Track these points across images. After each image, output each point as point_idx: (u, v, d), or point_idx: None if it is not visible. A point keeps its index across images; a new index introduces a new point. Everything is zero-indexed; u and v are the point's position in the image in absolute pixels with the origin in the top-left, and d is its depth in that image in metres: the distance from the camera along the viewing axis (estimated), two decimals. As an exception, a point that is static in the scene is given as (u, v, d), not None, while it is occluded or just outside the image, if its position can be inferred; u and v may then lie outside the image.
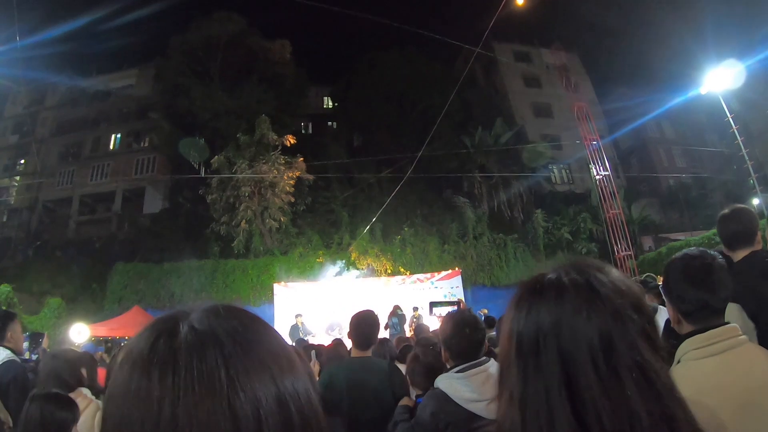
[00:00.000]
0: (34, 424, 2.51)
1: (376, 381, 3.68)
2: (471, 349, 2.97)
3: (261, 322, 0.74)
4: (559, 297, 0.94)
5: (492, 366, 2.90)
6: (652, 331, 0.93)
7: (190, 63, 30.55)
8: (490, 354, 3.22)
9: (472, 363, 2.89)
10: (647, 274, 9.48)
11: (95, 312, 21.34)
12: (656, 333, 0.94)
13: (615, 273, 0.99)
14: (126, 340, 15.51)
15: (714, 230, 20.21)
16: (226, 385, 0.60)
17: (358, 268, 23.13)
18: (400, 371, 3.97)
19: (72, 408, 2.64)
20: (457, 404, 2.76)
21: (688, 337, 1.85)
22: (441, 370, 3.07)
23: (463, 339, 2.97)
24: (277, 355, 0.68)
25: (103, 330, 16.73)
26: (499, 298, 21.84)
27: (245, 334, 0.67)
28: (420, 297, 19.40)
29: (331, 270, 22.83)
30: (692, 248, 2.05)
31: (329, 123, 38.21)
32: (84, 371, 3.64)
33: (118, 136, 37.94)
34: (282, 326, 18.10)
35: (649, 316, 0.95)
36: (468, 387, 2.79)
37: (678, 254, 2.05)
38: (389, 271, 23.09)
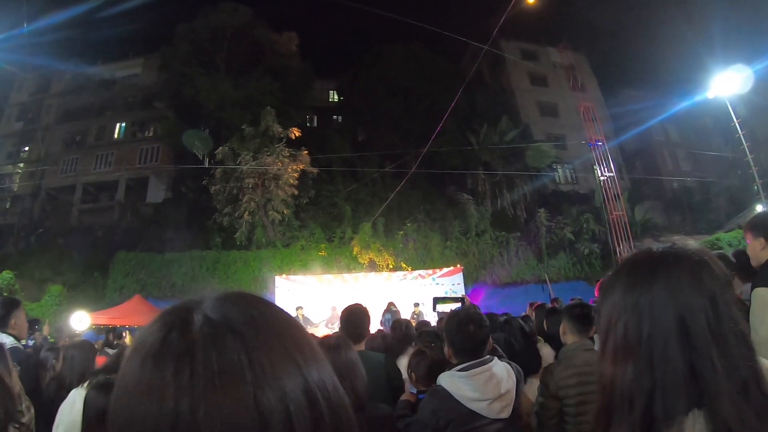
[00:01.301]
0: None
1: (373, 374, 3.67)
2: (474, 347, 2.95)
3: (278, 308, 0.70)
4: (675, 264, 1.08)
5: (495, 365, 2.89)
6: (737, 298, 1.15)
7: (196, 53, 30.56)
8: (494, 352, 3.21)
9: (475, 362, 2.88)
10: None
11: (96, 300, 21.35)
12: (738, 299, 1.11)
13: (707, 249, 1.17)
14: (126, 328, 15.56)
15: (717, 235, 20.33)
16: (251, 379, 0.56)
17: (360, 263, 23.14)
18: (395, 365, 3.97)
19: None
20: (459, 402, 2.76)
21: None
22: (445, 366, 3.05)
23: (467, 336, 2.95)
24: (301, 344, 0.65)
25: (104, 318, 16.72)
26: (500, 296, 21.87)
27: (265, 323, 0.64)
28: (421, 293, 19.38)
29: (333, 264, 22.86)
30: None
31: (334, 117, 38.17)
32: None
33: (123, 124, 37.97)
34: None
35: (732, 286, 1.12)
36: (470, 386, 2.78)
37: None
38: (391, 267, 23.10)
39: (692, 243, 1.17)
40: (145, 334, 0.63)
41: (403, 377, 3.80)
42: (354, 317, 3.96)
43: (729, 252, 4.31)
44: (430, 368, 3.32)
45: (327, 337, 2.89)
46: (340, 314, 13.46)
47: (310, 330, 13.49)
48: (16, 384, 3.11)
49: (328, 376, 0.65)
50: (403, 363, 4.05)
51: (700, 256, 1.09)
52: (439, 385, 2.86)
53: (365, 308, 4.10)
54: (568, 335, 3.49)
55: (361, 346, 3.93)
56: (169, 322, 0.62)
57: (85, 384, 3.13)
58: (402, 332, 5.25)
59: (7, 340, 4.04)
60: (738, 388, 0.95)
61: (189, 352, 0.58)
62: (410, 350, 4.22)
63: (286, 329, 0.66)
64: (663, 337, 1.01)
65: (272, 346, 0.61)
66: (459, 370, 2.86)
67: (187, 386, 0.55)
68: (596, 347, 2.23)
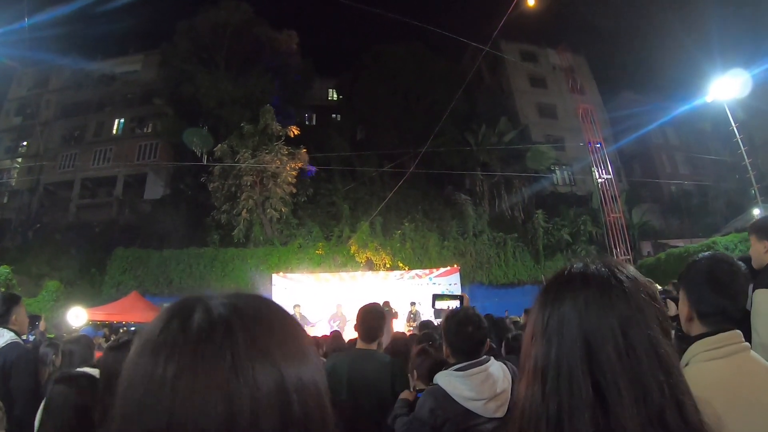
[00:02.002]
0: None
1: (376, 373, 3.70)
2: (472, 347, 2.98)
3: (280, 312, 0.74)
4: (584, 284, 1.05)
5: (492, 366, 2.93)
6: (664, 320, 1.03)
7: (196, 50, 30.55)
8: (491, 352, 3.24)
9: (472, 362, 2.91)
10: (647, 279, 9.52)
11: (93, 296, 21.34)
12: (667, 321, 1.04)
13: (632, 269, 1.11)
14: (123, 325, 15.56)
15: (714, 238, 20.37)
16: (227, 368, 0.60)
17: (357, 261, 23.16)
18: (401, 365, 4.00)
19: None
20: (455, 402, 2.79)
21: (697, 339, 1.89)
22: (448, 366, 3.08)
23: (465, 337, 2.98)
24: (286, 345, 0.68)
25: (101, 314, 16.73)
26: (497, 297, 21.92)
27: (257, 323, 0.68)
28: (418, 292, 19.42)
29: (331, 262, 22.88)
30: (718, 252, 2.08)
31: (333, 115, 38.18)
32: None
33: (122, 121, 37.96)
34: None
35: (662, 307, 1.06)
36: (467, 385, 2.82)
37: (704, 255, 2.08)
38: (388, 266, 23.11)
39: (626, 264, 1.13)
40: (150, 324, 0.67)
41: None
42: (368, 317, 3.97)
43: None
44: (432, 367, 3.35)
45: None
46: (345, 312, 13.52)
47: (307, 329, 13.52)
48: None
49: (310, 379, 0.68)
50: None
51: (614, 276, 1.05)
52: (437, 384, 2.90)
53: (381, 308, 4.13)
54: None
55: (373, 346, 3.95)
56: (173, 313, 0.67)
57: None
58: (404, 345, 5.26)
59: (8, 335, 4.07)
60: (651, 418, 0.91)
61: (182, 340, 0.62)
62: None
63: (276, 330, 0.69)
64: (568, 360, 0.98)
65: (255, 344, 0.64)
66: (456, 370, 2.89)
67: (174, 370, 0.60)
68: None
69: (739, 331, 1.86)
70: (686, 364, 1.85)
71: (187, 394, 0.58)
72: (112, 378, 2.40)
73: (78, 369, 2.90)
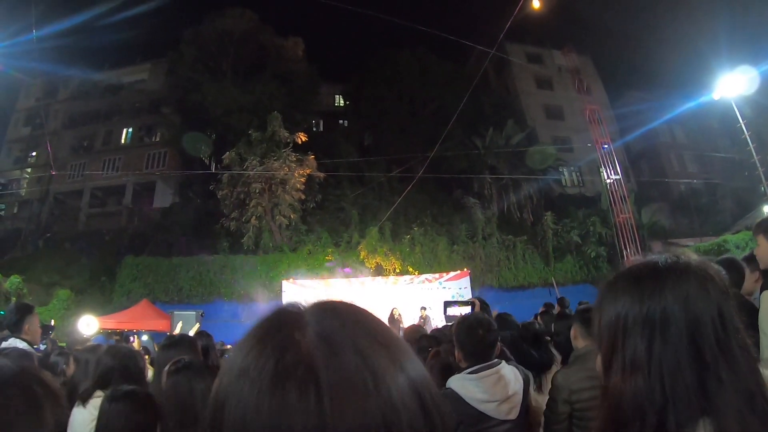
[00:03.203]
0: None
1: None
2: (483, 350, 3.02)
3: (368, 313, 0.72)
4: (683, 277, 1.07)
5: (503, 368, 2.95)
6: (740, 306, 1.10)
7: (203, 58, 30.71)
8: (503, 355, 3.25)
9: (484, 365, 2.94)
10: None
11: (104, 304, 21.42)
12: (743, 310, 1.10)
13: (706, 260, 1.16)
14: (134, 333, 15.54)
15: (724, 237, 20.27)
16: (373, 389, 0.57)
17: (366, 267, 23.14)
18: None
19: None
20: (468, 404, 2.82)
21: None
22: (458, 369, 3.09)
23: (476, 340, 3.01)
24: (398, 345, 0.66)
25: (112, 323, 16.75)
26: (507, 300, 21.81)
27: (365, 330, 0.66)
28: (428, 297, 19.38)
29: (340, 268, 22.88)
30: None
31: (340, 121, 38.29)
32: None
33: (130, 130, 38.13)
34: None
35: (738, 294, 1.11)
36: (479, 388, 2.85)
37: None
38: (398, 271, 23.09)
39: (694, 255, 1.17)
40: (248, 359, 0.62)
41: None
42: None
43: (738, 255, 4.32)
44: (442, 370, 3.37)
45: None
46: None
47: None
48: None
49: (421, 372, 0.66)
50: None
51: (705, 268, 1.10)
52: (449, 388, 2.92)
53: (374, 315, 4.12)
54: (579, 339, 3.51)
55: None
56: (279, 343, 0.62)
57: (89, 398, 3.13)
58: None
59: (21, 346, 4.08)
60: (744, 400, 0.96)
61: (311, 371, 0.57)
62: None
63: (382, 333, 0.67)
64: (675, 352, 1.02)
65: (379, 353, 0.62)
66: (468, 373, 2.93)
67: (315, 406, 0.55)
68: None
69: None
70: None
71: (340, 424, 0.55)
72: (180, 399, 2.41)
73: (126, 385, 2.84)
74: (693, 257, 1.13)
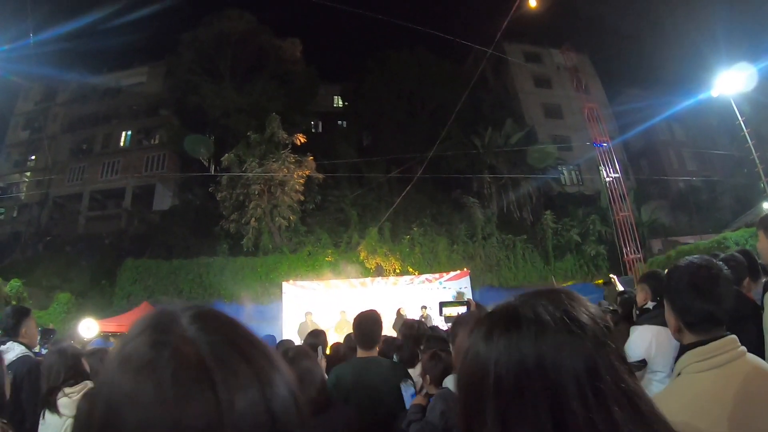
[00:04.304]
0: None
1: (382, 380, 3.71)
2: None
3: (242, 327, 0.75)
4: (540, 332, 0.89)
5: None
6: (623, 354, 0.93)
7: (201, 60, 30.72)
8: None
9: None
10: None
11: (104, 307, 21.42)
12: (624, 355, 0.93)
13: (583, 300, 0.97)
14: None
15: (724, 234, 20.26)
16: (257, 381, 0.65)
17: (366, 268, 23.14)
18: (405, 370, 4.00)
19: None
20: None
21: (690, 349, 1.84)
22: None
23: None
24: (269, 349, 0.73)
25: (112, 326, 16.74)
26: (507, 299, 21.80)
27: (245, 335, 0.72)
28: (428, 297, 19.35)
29: (340, 269, 22.86)
30: (695, 257, 2.03)
31: (339, 122, 38.24)
32: (86, 364, 3.66)
33: (129, 132, 38.11)
34: (290, 324, 18.20)
35: (616, 341, 0.93)
36: (475, 387, 2.81)
37: (682, 262, 2.03)
38: (398, 271, 23.09)
39: (565, 293, 0.98)
40: (131, 348, 0.66)
41: (414, 382, 3.83)
42: (365, 323, 3.97)
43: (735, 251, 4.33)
44: (443, 372, 3.37)
45: (286, 349, 2.99)
46: (349, 319, 13.45)
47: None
48: (6, 389, 3.17)
49: (286, 383, 0.70)
50: (415, 372, 4.08)
51: (569, 311, 0.92)
52: (446, 388, 2.95)
53: (378, 315, 4.11)
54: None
55: (373, 352, 3.95)
56: (156, 338, 0.66)
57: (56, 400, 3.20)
58: (416, 330, 5.29)
59: (19, 349, 4.09)
60: None
61: (205, 370, 0.62)
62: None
63: (254, 337, 0.73)
64: (533, 423, 0.84)
65: (259, 353, 0.69)
66: None
67: (212, 401, 0.60)
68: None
69: (733, 337, 1.82)
70: (678, 375, 1.83)
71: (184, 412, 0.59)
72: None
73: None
74: (569, 299, 0.95)
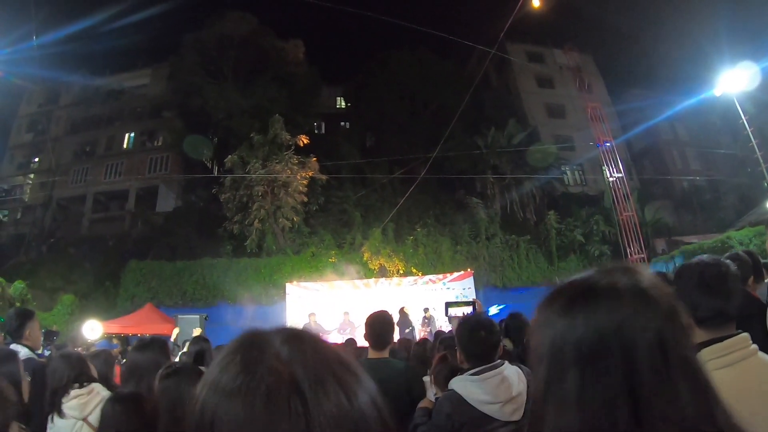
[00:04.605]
0: None
1: (393, 382, 3.69)
2: (486, 352, 3.00)
3: (327, 345, 0.78)
4: (616, 301, 0.94)
5: (506, 369, 2.95)
6: (690, 328, 0.98)
7: (204, 62, 30.78)
8: (505, 357, 3.25)
9: (486, 366, 2.93)
10: (660, 272, 9.55)
11: (108, 309, 21.44)
12: (692, 330, 0.99)
13: (651, 274, 1.02)
14: (139, 337, 15.56)
15: (728, 233, 20.23)
16: (346, 402, 0.68)
17: (370, 269, 23.14)
18: (417, 372, 4.00)
19: None
20: (472, 406, 2.81)
21: (704, 347, 1.86)
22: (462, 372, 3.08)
23: (478, 341, 3.00)
24: (356, 364, 0.76)
25: (116, 327, 16.77)
26: (511, 299, 21.79)
27: (333, 354, 0.75)
28: (432, 298, 19.37)
29: (344, 270, 22.86)
30: (704, 255, 2.07)
31: (342, 123, 38.25)
32: (93, 367, 3.67)
33: (132, 134, 38.21)
34: (294, 325, 18.16)
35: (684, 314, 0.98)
36: (482, 389, 2.84)
37: (692, 261, 2.10)
38: (401, 272, 23.07)
39: (645, 271, 1.02)
40: (236, 380, 0.68)
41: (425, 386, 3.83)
42: (377, 324, 3.96)
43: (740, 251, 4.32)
44: (449, 375, 3.36)
45: None
46: (353, 320, 13.52)
47: (324, 337, 13.55)
48: (24, 393, 3.18)
49: (373, 384, 0.75)
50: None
51: (646, 288, 0.96)
52: (452, 390, 2.91)
53: (389, 316, 4.11)
54: None
55: (385, 353, 3.95)
56: (263, 365, 0.68)
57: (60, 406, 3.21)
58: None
59: (22, 351, 4.08)
60: None
61: (296, 390, 0.65)
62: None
63: (342, 355, 0.76)
64: (607, 387, 0.90)
65: (346, 372, 0.72)
66: (471, 375, 2.91)
67: (303, 421, 0.63)
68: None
69: (746, 335, 1.86)
70: None
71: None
72: (172, 404, 2.45)
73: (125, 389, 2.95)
74: (639, 273, 1.00)
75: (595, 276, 1.01)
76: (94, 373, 3.61)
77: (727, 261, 2.03)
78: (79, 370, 3.43)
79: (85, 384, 3.33)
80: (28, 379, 3.41)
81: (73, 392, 3.25)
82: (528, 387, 2.97)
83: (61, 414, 3.17)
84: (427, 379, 3.98)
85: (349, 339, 9.02)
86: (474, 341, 3.00)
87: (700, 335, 1.92)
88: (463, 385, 2.89)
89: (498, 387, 2.83)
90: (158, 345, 3.42)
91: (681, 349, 0.92)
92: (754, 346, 1.83)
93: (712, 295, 1.91)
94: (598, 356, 0.91)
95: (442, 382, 3.39)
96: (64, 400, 3.20)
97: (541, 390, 1.00)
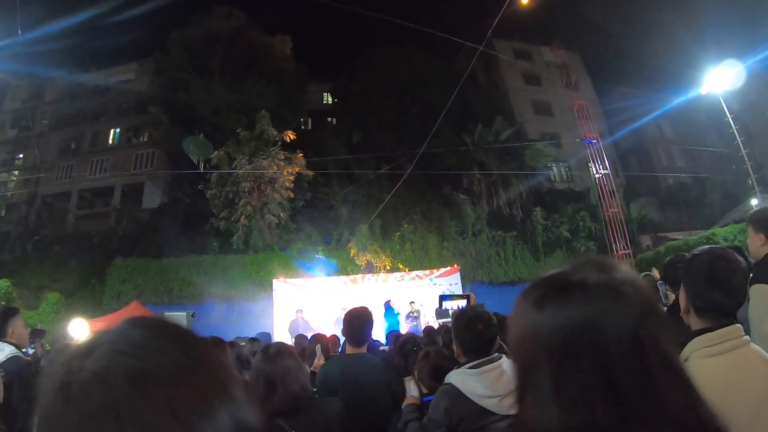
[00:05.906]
0: None
1: (371, 377, 3.71)
2: (483, 346, 2.99)
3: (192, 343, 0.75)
4: (586, 296, 0.94)
5: (504, 362, 2.94)
6: (668, 324, 0.96)
7: (191, 58, 30.56)
8: (502, 350, 3.25)
9: (484, 359, 2.93)
10: (645, 273, 9.61)
11: (94, 307, 21.26)
12: (671, 325, 0.97)
13: (628, 270, 1.02)
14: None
15: (712, 230, 20.40)
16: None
17: (357, 264, 23.14)
18: (395, 367, 4.01)
19: None
20: (470, 400, 2.80)
21: (697, 335, 1.89)
22: (448, 371, 3.08)
23: (476, 335, 2.99)
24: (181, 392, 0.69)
25: (102, 325, 16.07)
26: (497, 295, 21.84)
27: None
28: (419, 293, 19.43)
29: (331, 266, 22.85)
30: (717, 247, 2.09)
31: (329, 119, 38.11)
32: None
33: (117, 130, 37.89)
34: (281, 322, 18.18)
35: (663, 310, 0.99)
36: (481, 383, 2.83)
37: (704, 250, 2.10)
38: (388, 268, 23.09)
39: (623, 265, 1.03)
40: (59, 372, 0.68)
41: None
42: (355, 321, 3.97)
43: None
44: (432, 371, 3.36)
45: (267, 345, 2.98)
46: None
47: (309, 334, 13.50)
48: None
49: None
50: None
51: (622, 283, 0.96)
52: (449, 383, 2.91)
53: (368, 312, 4.11)
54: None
55: (363, 349, 3.97)
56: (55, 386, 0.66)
57: None
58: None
59: (8, 349, 4.05)
60: None
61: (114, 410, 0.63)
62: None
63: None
64: (583, 382, 0.90)
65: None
66: (469, 368, 2.90)
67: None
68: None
69: (739, 326, 1.88)
70: (685, 360, 1.85)
71: None
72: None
73: None
74: (614, 269, 0.99)
75: (568, 270, 1.02)
76: None
77: (739, 257, 2.03)
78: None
79: None
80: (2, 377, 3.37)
81: None
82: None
83: None
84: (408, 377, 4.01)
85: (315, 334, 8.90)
86: (471, 334, 3.00)
87: (696, 323, 1.96)
88: (462, 379, 2.88)
89: (497, 381, 2.83)
90: None
91: (659, 344, 0.91)
92: (747, 337, 1.85)
93: (716, 289, 1.92)
94: (569, 350, 0.91)
95: (426, 379, 3.39)
96: None
97: (518, 382, 1.01)
